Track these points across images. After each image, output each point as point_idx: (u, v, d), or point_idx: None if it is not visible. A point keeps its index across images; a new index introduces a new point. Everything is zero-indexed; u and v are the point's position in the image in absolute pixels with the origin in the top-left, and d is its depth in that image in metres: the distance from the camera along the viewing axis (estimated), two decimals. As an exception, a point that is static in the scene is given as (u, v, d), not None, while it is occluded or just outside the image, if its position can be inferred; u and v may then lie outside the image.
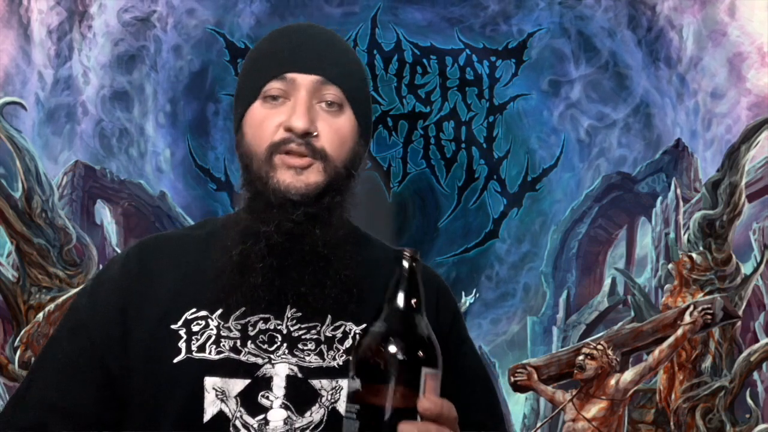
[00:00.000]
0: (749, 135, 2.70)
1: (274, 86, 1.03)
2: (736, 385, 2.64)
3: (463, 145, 2.81)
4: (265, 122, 1.02)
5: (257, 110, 1.03)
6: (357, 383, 0.79)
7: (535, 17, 2.77)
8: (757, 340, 2.66)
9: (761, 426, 2.63)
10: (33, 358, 2.60)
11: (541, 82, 2.80)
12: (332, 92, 1.03)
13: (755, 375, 2.66)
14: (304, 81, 1.03)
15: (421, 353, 0.79)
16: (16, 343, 2.62)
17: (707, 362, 2.66)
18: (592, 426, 2.48)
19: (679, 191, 2.75)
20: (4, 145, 2.63)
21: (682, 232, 2.73)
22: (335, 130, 1.02)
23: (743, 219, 2.69)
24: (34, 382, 1.01)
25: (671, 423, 2.65)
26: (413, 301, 0.83)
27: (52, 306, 2.63)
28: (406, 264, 0.84)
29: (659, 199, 2.77)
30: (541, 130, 2.80)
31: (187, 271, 1.03)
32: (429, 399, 0.78)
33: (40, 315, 2.63)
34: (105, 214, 2.72)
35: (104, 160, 2.71)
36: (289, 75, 1.03)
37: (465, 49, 2.80)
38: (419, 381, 0.78)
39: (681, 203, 2.75)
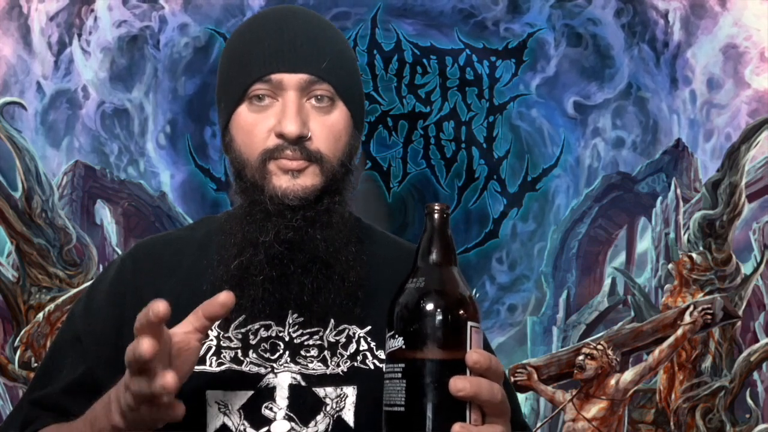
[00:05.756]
0: (749, 135, 2.70)
1: (259, 88, 0.97)
2: (736, 385, 2.64)
3: (463, 145, 2.81)
4: (255, 128, 0.97)
5: (244, 115, 0.98)
6: (399, 341, 0.78)
7: (528, 18, 2.77)
8: (757, 340, 2.66)
9: (761, 426, 2.63)
10: (33, 358, 2.60)
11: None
12: (322, 88, 0.98)
13: (755, 375, 2.66)
14: (292, 81, 0.96)
15: (465, 307, 0.80)
16: (16, 343, 2.61)
17: (707, 362, 2.66)
18: (592, 426, 2.48)
19: (679, 191, 2.75)
20: (4, 145, 2.63)
21: (682, 232, 2.73)
22: (328, 127, 0.98)
23: (743, 219, 2.69)
24: (36, 387, 1.00)
25: (671, 423, 2.65)
26: (449, 254, 0.83)
27: (52, 306, 2.63)
28: (437, 217, 0.83)
29: (659, 199, 2.77)
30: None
31: (184, 279, 0.99)
32: (477, 351, 0.77)
33: (40, 315, 2.63)
34: (105, 214, 2.72)
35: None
36: (275, 76, 0.96)
37: (465, 49, 2.80)
38: (466, 336, 0.78)
39: (681, 203, 2.74)
